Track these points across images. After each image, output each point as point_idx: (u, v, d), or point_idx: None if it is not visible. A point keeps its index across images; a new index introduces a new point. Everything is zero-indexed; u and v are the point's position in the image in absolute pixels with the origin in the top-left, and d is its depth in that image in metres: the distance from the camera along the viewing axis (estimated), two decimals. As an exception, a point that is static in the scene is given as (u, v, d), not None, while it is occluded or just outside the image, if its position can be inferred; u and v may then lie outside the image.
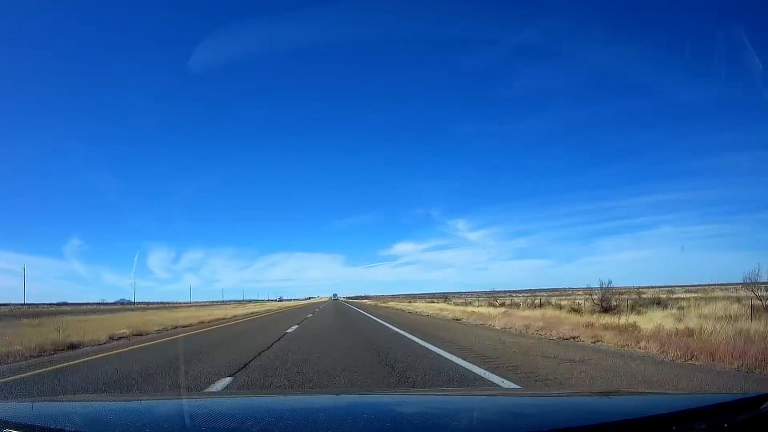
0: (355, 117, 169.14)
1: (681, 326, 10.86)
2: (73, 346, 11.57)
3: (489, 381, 6.30)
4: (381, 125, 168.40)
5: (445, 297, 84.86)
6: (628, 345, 9.19)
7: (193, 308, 55.25)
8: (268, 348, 10.56)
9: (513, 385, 5.94)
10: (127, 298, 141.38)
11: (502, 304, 31.71)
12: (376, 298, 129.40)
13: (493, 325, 16.19)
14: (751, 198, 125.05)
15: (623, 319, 13.38)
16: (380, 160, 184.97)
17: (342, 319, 25.31)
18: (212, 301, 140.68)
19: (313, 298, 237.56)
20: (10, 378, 7.39)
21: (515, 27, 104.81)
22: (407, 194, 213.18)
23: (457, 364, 7.60)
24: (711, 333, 9.37)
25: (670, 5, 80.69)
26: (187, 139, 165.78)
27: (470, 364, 7.54)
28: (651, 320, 13.13)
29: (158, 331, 16.91)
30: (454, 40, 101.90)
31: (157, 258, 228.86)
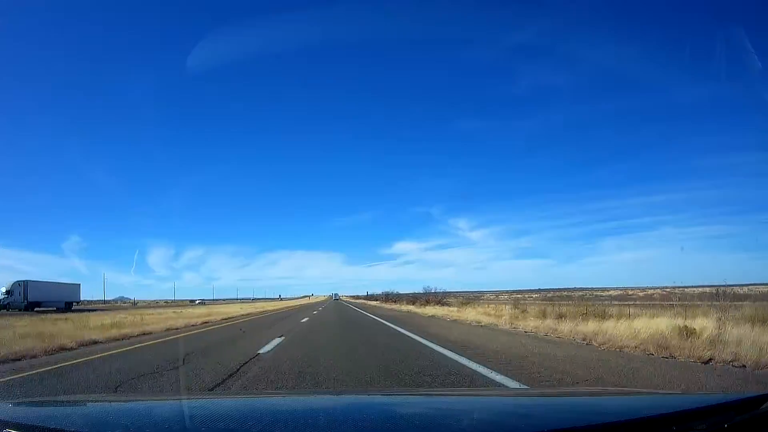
0: (355, 115, 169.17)
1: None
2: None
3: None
4: (381, 123, 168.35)
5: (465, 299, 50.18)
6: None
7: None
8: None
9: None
10: (126, 296, 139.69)
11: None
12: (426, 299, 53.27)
13: None
14: (752, 199, 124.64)
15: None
16: (381, 159, 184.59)
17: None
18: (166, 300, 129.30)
19: (308, 296, 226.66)
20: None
21: (515, 26, 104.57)
22: (407, 192, 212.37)
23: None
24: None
25: (671, 5, 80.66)
26: (186, 137, 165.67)
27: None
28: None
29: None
30: (455, 39, 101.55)
31: (157, 256, 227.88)
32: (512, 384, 5.99)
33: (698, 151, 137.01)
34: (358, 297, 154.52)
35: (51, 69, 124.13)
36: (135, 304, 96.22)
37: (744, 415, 1.58)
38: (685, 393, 4.31)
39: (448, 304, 39.25)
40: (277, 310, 44.91)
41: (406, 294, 70.15)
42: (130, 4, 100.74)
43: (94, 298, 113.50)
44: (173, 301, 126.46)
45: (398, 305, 49.85)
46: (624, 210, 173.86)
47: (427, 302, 44.14)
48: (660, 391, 4.57)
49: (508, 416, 1.98)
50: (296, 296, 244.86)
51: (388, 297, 74.30)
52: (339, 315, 29.01)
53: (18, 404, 2.66)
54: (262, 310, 43.34)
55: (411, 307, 40.65)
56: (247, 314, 32.60)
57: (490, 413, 2.07)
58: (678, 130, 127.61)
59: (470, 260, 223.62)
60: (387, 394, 3.57)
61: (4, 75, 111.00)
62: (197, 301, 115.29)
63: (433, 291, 49.55)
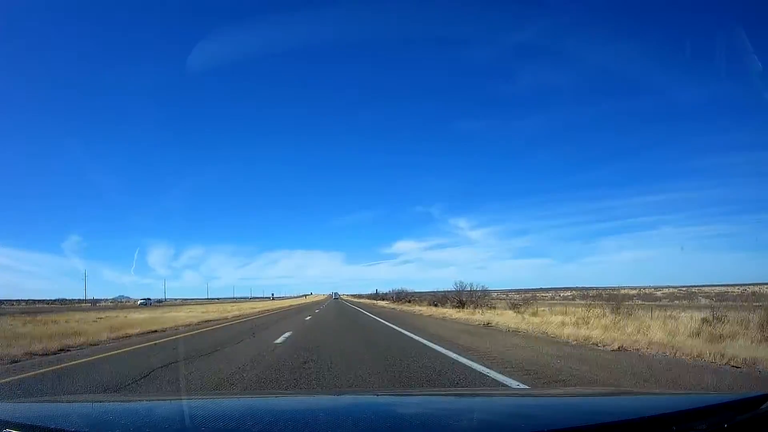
0: (356, 115, 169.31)
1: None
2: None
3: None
4: (382, 123, 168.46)
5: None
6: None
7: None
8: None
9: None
10: (126, 295, 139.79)
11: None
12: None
13: None
14: (751, 199, 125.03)
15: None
16: (381, 158, 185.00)
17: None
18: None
19: (305, 296, 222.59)
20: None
21: (516, 26, 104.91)
22: (408, 192, 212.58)
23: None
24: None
25: (671, 5, 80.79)
26: (186, 137, 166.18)
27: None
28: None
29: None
30: (456, 39, 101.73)
31: (157, 255, 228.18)
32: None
33: (698, 150, 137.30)
34: (360, 296, 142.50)
35: (51, 69, 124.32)
36: (95, 305, 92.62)
37: (744, 415, 1.58)
38: (685, 393, 4.31)
39: (494, 307, 28.75)
40: (246, 317, 30.15)
41: (427, 293, 54.43)
42: (131, 4, 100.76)
43: (95, 298, 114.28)
44: (160, 301, 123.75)
45: (430, 308, 35.37)
46: (624, 209, 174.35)
47: (462, 304, 32.13)
48: (660, 391, 4.57)
49: (508, 416, 1.98)
50: (293, 295, 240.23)
51: (399, 296, 60.50)
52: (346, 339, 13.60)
53: (18, 404, 2.66)
54: (221, 317, 27.84)
55: (466, 315, 23.75)
56: (183, 326, 19.75)
57: (490, 413, 2.07)
58: (678, 129, 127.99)
59: (470, 260, 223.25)
60: (387, 394, 3.56)
61: (5, 75, 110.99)
62: (139, 302, 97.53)
63: (468, 289, 34.90)
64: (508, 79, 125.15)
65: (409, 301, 51.54)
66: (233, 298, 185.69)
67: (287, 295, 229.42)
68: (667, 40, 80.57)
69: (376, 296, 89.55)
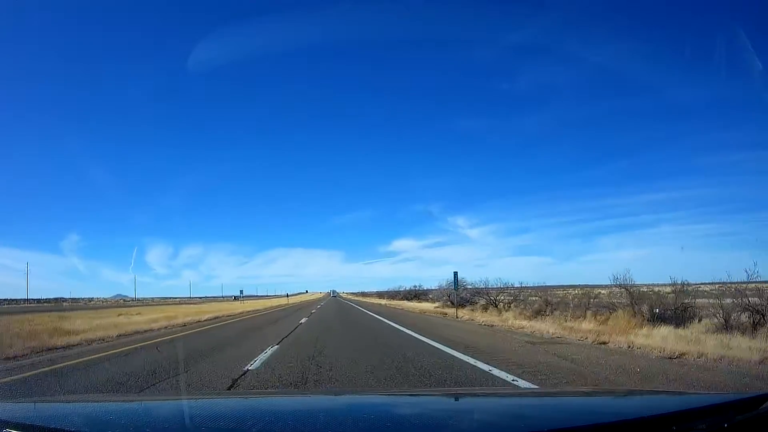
0: (355, 113, 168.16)
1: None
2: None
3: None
4: (381, 121, 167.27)
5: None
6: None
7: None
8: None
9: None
10: (124, 294, 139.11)
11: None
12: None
13: None
14: (751, 198, 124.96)
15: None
16: (380, 156, 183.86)
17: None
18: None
19: (286, 296, 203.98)
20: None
21: (516, 25, 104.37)
22: (407, 190, 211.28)
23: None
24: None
25: (671, 5, 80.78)
26: (185, 136, 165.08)
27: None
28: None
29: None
30: (456, 38, 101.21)
31: (156, 253, 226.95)
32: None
33: (698, 149, 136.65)
34: (365, 294, 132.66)
35: (51, 68, 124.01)
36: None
37: (744, 415, 1.58)
38: (685, 393, 4.31)
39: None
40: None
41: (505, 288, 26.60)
42: (132, 3, 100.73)
43: (93, 297, 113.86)
44: (148, 299, 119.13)
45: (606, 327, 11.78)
46: (623, 208, 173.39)
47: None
48: (660, 391, 4.58)
49: (508, 416, 1.98)
50: (276, 294, 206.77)
51: (462, 296, 27.50)
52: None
53: (18, 404, 2.66)
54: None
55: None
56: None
57: (490, 413, 2.07)
58: (678, 128, 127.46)
59: (469, 258, 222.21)
60: (387, 394, 3.56)
61: (4, 74, 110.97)
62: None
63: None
64: (507, 78, 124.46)
65: (473, 303, 27.47)
66: (221, 296, 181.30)
67: (273, 294, 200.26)
68: (667, 39, 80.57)
69: (411, 293, 45.98)
